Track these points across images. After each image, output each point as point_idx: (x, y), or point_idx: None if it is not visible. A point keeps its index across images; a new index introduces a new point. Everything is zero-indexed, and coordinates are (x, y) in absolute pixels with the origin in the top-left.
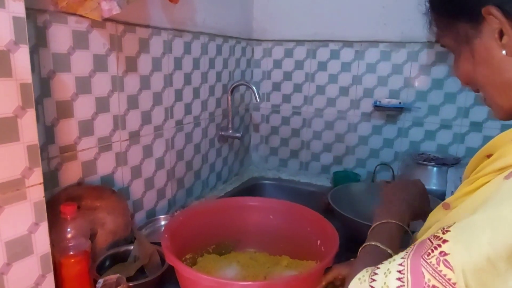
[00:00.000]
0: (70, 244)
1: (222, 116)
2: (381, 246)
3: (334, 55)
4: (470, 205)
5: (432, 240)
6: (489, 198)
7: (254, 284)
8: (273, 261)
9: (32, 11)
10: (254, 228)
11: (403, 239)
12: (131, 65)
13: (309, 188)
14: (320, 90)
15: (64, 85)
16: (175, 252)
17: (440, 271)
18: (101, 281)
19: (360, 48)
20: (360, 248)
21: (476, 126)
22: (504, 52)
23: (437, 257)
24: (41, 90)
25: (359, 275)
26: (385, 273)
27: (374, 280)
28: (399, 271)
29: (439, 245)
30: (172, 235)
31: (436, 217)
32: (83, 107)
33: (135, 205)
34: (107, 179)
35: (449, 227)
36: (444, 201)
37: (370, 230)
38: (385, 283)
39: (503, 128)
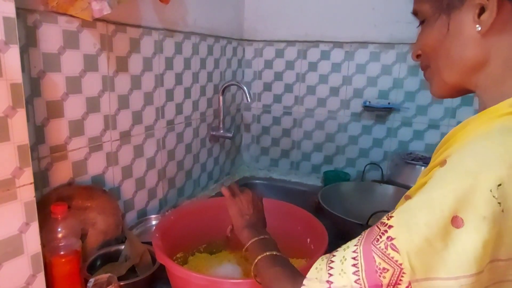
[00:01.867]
0: (60, 244)
1: (213, 116)
2: (278, 254)
3: (325, 55)
4: None
5: (379, 226)
6: (426, 184)
7: (244, 282)
8: None
9: (22, 11)
10: None
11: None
12: (122, 65)
13: (300, 187)
14: (311, 90)
15: (55, 85)
16: (166, 251)
17: (388, 254)
18: (92, 280)
19: (350, 49)
20: (252, 267)
21: None
22: (478, 28)
23: (385, 242)
24: (32, 90)
25: (315, 264)
26: (341, 260)
27: (331, 268)
28: (354, 258)
29: (386, 231)
30: (163, 234)
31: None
32: (74, 107)
33: (126, 205)
34: (98, 179)
35: (393, 213)
36: (406, 192)
37: (247, 248)
38: (342, 269)
39: None
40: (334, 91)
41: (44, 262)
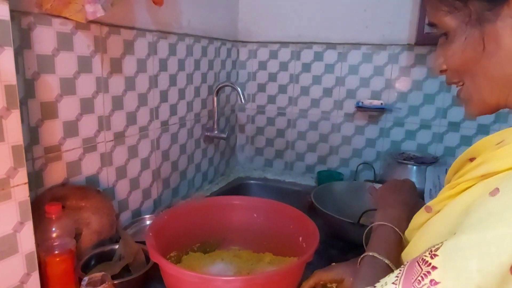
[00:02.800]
0: (55, 243)
1: (207, 117)
2: (378, 257)
3: (318, 57)
4: (452, 211)
5: (421, 265)
6: (474, 215)
7: (237, 279)
8: (257, 258)
9: (16, 13)
10: (238, 226)
11: (399, 244)
12: (115, 66)
13: (294, 187)
14: (304, 91)
15: (49, 86)
16: (160, 250)
17: None
18: (86, 278)
19: (343, 50)
20: (359, 259)
21: (454, 126)
22: None
23: (428, 286)
24: (26, 91)
25: None
26: None
27: None
28: None
29: (429, 272)
30: (156, 233)
31: (420, 220)
32: (68, 108)
33: (120, 205)
34: (92, 179)
35: (437, 250)
36: (427, 204)
37: (367, 231)
38: None
39: (479, 128)
40: (327, 92)
41: (38, 261)
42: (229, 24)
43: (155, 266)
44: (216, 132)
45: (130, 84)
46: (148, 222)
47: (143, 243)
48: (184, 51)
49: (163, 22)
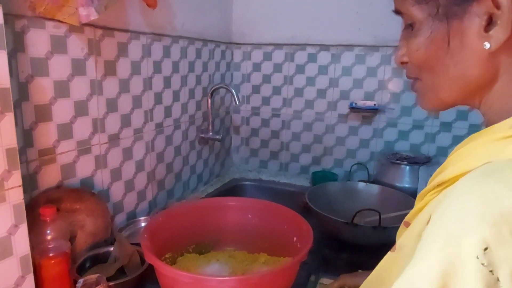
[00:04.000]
0: (49, 246)
1: (202, 119)
2: None
3: (312, 58)
4: (417, 226)
5: None
6: (417, 249)
7: (231, 279)
8: (251, 258)
9: (10, 17)
10: (233, 227)
11: None
12: (110, 69)
13: (289, 188)
14: (299, 92)
15: (43, 89)
16: (155, 252)
17: None
18: (81, 280)
19: (336, 51)
20: None
21: (446, 126)
22: (487, 45)
23: None
24: (20, 94)
25: None
26: None
27: None
28: None
29: None
30: (151, 235)
31: (399, 235)
32: (62, 111)
33: (115, 207)
34: (87, 181)
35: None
36: (404, 219)
37: None
38: None
39: (471, 128)
40: (321, 93)
41: (33, 264)
42: (223, 26)
43: (150, 268)
44: (210, 133)
45: (124, 86)
46: (143, 224)
47: (138, 244)
48: (178, 53)
49: (157, 25)
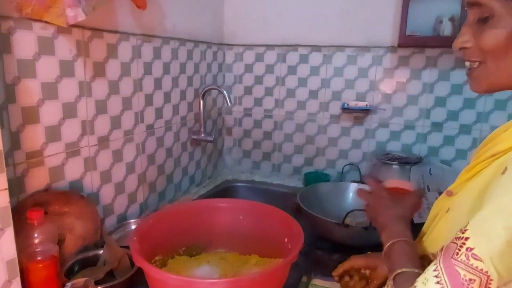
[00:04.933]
0: (37, 250)
1: (194, 120)
2: (408, 270)
3: (303, 59)
4: (470, 191)
5: (455, 241)
6: (491, 192)
7: (220, 281)
8: (243, 260)
9: None
10: (225, 229)
11: (416, 251)
12: (99, 70)
13: (282, 189)
14: (291, 93)
15: (30, 91)
16: (144, 255)
17: (472, 264)
18: (68, 284)
19: (328, 52)
20: (391, 281)
21: (437, 126)
22: None
23: (466, 254)
24: (6, 96)
25: None
26: (423, 282)
27: None
28: (436, 276)
29: (463, 244)
30: (141, 237)
31: (441, 205)
32: (50, 113)
33: (105, 210)
34: (76, 184)
35: (465, 227)
36: (447, 188)
37: (384, 255)
38: None
39: (462, 128)
40: (313, 94)
41: (20, 267)
42: (214, 27)
43: (140, 271)
44: (202, 135)
45: (114, 88)
46: (133, 227)
47: (128, 247)
48: (169, 54)
49: (147, 26)
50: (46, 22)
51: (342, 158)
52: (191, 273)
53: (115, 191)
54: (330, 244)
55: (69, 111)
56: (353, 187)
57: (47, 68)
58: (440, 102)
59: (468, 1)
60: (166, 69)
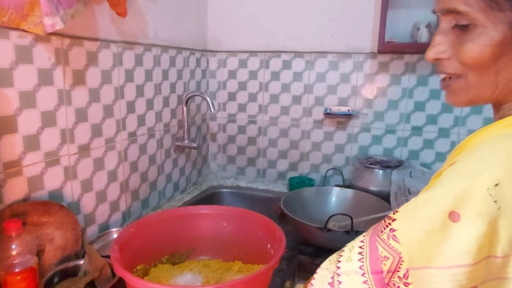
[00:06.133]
0: (15, 261)
1: (177, 127)
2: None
3: (286, 65)
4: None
5: (385, 220)
6: (434, 183)
7: None
8: (226, 267)
9: None
10: (208, 236)
11: None
12: (79, 78)
13: (267, 194)
14: (274, 99)
15: (7, 100)
16: (126, 264)
17: (390, 244)
18: None
19: (310, 58)
20: None
21: (417, 130)
22: None
23: (388, 234)
24: None
25: (329, 257)
26: (350, 249)
27: (341, 255)
28: (360, 247)
29: (390, 224)
30: (122, 246)
31: None
32: (28, 122)
33: (86, 219)
34: (56, 194)
35: (399, 208)
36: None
37: None
38: (349, 257)
39: (440, 132)
40: (297, 99)
41: None
42: (197, 34)
43: (122, 281)
44: (186, 141)
45: (94, 95)
46: (115, 235)
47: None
48: (151, 61)
49: (129, 33)
50: (23, 30)
51: (326, 162)
52: (174, 282)
53: (96, 200)
54: (313, 248)
55: (48, 119)
56: (335, 191)
57: (25, 77)
58: (420, 106)
59: (443, 8)
60: (148, 76)
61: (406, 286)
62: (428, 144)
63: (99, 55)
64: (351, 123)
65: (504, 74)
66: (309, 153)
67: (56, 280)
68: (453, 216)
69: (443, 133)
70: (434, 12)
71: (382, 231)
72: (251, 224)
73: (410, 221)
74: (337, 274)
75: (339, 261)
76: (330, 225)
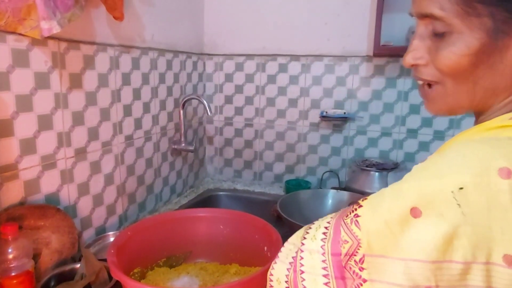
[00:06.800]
0: (11, 265)
1: (174, 130)
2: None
3: (283, 68)
4: None
5: (353, 205)
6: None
7: None
8: (223, 270)
9: None
10: (205, 239)
11: None
12: (75, 81)
13: (263, 197)
14: (271, 102)
15: (4, 103)
16: (122, 267)
17: (351, 229)
18: None
19: (306, 61)
20: None
21: (412, 133)
22: None
23: (352, 219)
24: None
25: (296, 232)
26: (316, 228)
27: (307, 233)
28: (326, 227)
29: (355, 209)
30: (118, 250)
31: None
32: (25, 125)
33: (83, 223)
34: (52, 197)
35: (369, 196)
36: None
37: None
38: (314, 235)
39: (436, 134)
40: (293, 102)
41: None
42: (194, 38)
43: (118, 284)
44: (183, 144)
45: (91, 99)
46: (112, 239)
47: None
48: (148, 65)
49: (125, 37)
50: (20, 34)
51: (322, 165)
52: (171, 285)
53: (93, 203)
54: None
55: (45, 123)
56: (332, 193)
57: (21, 81)
58: (415, 109)
59: (419, 12)
60: (145, 79)
61: (361, 270)
62: (424, 146)
63: (96, 59)
64: (347, 126)
65: (482, 83)
66: (305, 156)
67: (52, 283)
68: (414, 211)
69: (438, 135)
70: (410, 15)
71: (348, 215)
72: (248, 226)
73: (374, 210)
74: (301, 250)
75: (305, 238)
76: None
